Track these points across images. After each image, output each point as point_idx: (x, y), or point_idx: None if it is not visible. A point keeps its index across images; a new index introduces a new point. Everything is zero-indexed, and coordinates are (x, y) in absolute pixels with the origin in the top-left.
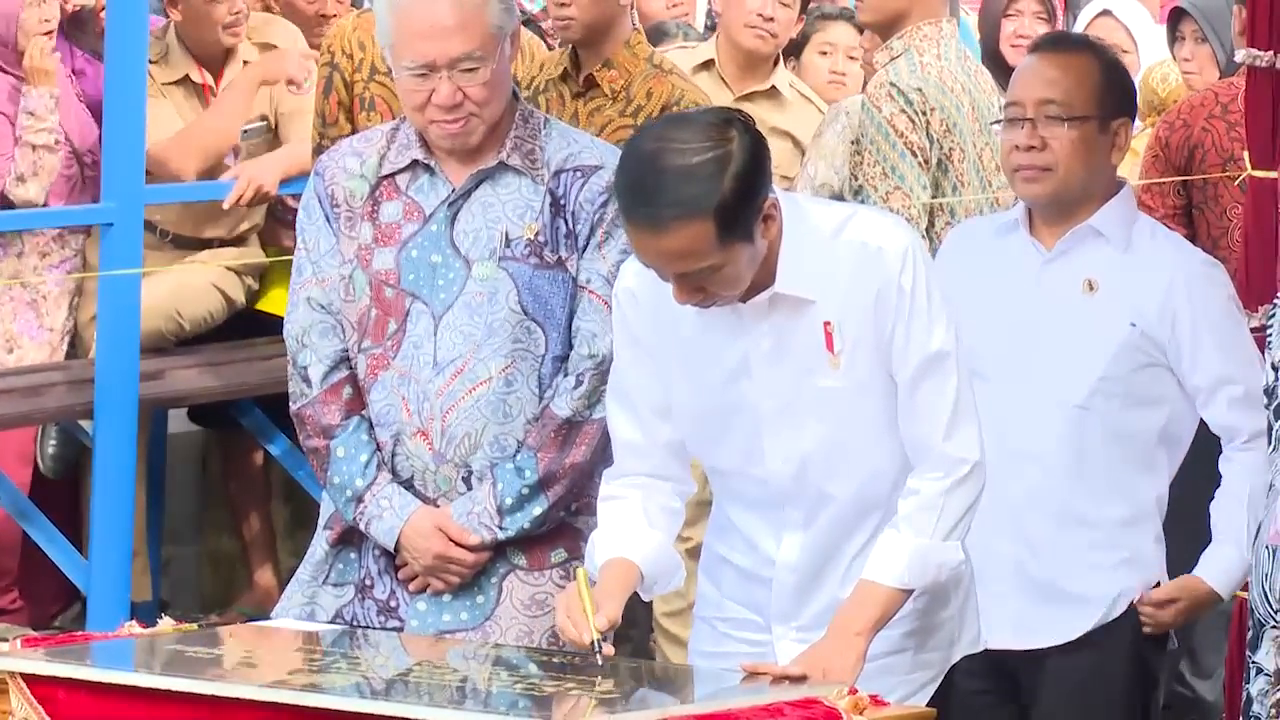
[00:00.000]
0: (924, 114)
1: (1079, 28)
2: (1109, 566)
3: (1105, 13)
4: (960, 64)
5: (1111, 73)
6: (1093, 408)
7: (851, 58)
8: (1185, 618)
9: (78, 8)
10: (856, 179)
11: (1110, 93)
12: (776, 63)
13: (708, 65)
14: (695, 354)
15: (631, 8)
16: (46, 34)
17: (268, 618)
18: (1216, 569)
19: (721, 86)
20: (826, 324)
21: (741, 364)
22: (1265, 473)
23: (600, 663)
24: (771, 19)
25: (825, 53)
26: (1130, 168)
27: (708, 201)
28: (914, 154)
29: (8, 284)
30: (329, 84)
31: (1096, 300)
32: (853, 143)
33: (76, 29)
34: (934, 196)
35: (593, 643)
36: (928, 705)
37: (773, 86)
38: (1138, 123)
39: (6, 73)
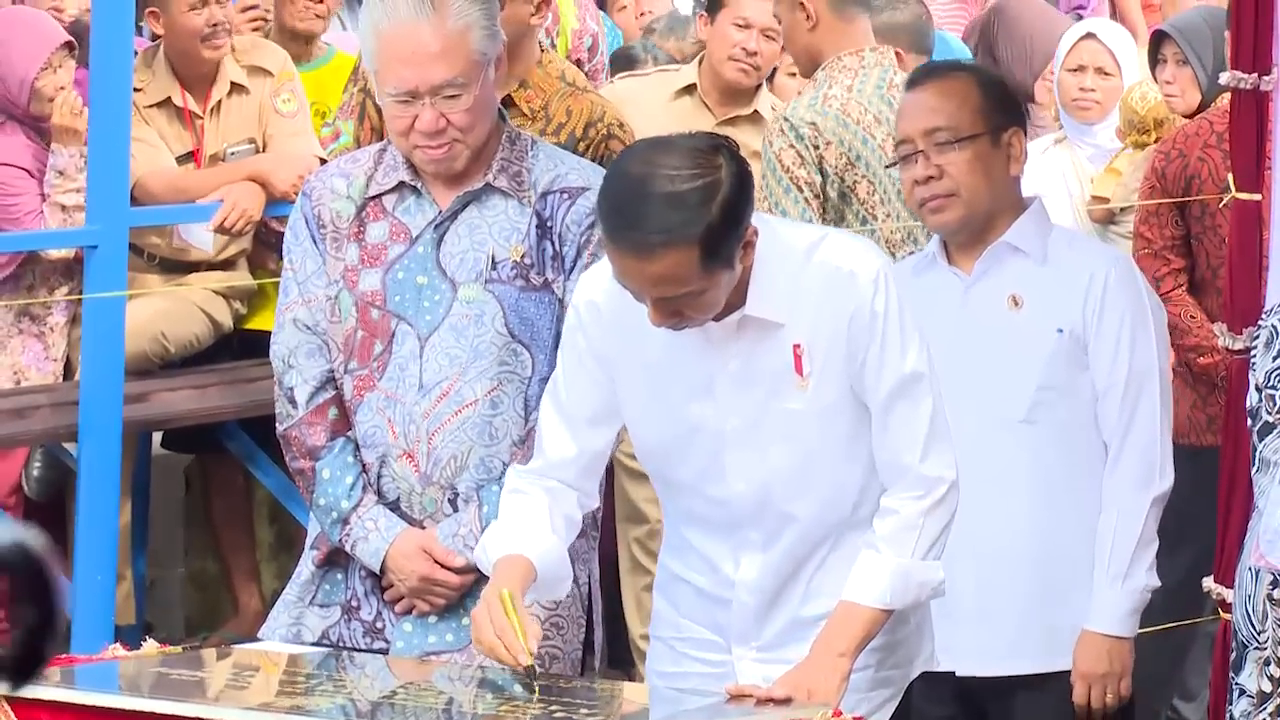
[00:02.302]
0: (816, 148)
1: (1061, 53)
2: (1075, 592)
3: (1089, 35)
4: (879, 94)
5: (989, 87)
6: (1038, 421)
7: None
8: (1119, 679)
9: (72, 19)
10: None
11: (993, 106)
12: (759, 87)
13: (689, 90)
14: (659, 371)
15: (544, 27)
16: (62, 88)
17: (253, 641)
18: (1110, 617)
19: (704, 111)
20: (796, 347)
21: (707, 384)
22: (1141, 494)
23: (535, 686)
24: (755, 53)
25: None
26: (1113, 187)
27: (695, 229)
28: (800, 189)
29: (16, 318)
30: (362, 110)
31: (1022, 315)
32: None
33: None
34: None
35: (529, 667)
36: None
37: (755, 111)
38: (1118, 142)
39: (21, 121)
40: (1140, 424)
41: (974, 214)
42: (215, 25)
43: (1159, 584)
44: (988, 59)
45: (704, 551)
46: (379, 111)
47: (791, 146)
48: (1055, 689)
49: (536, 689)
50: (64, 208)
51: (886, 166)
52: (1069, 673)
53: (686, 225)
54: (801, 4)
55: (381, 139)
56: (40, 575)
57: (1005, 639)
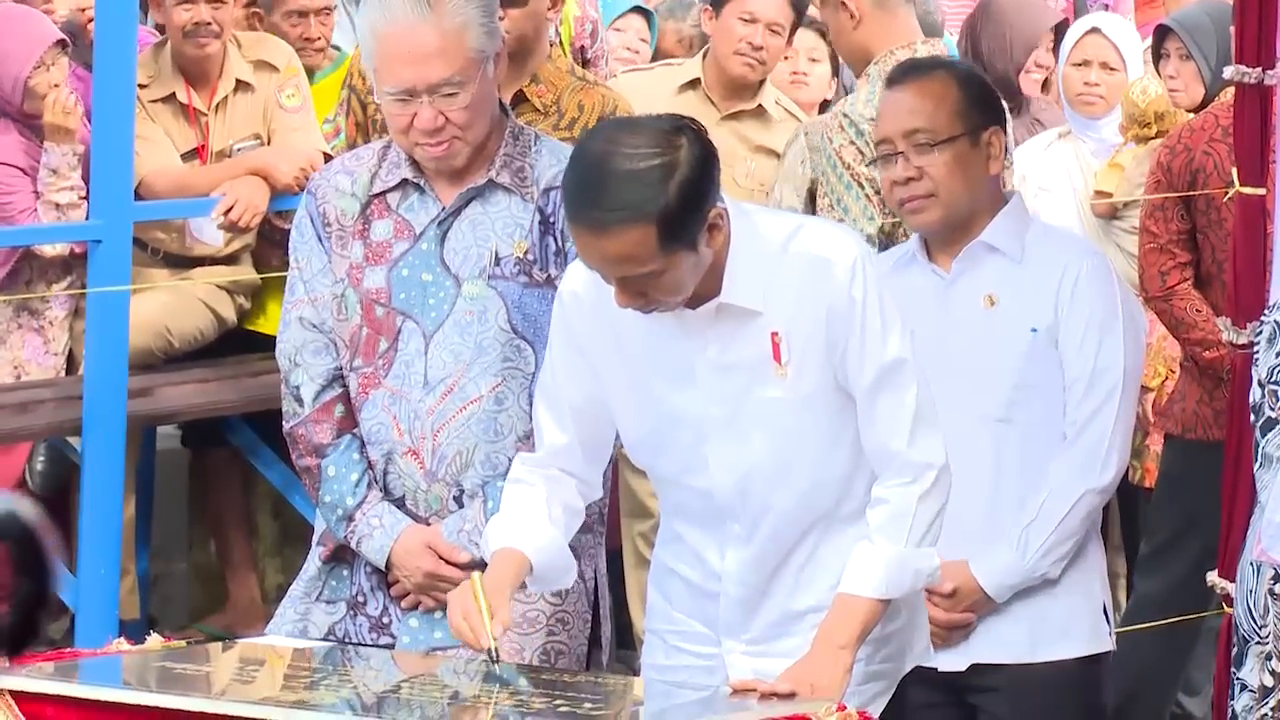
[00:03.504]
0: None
1: (1066, 47)
2: (1054, 584)
3: (1094, 30)
4: None
5: (969, 86)
6: (1015, 419)
7: (813, 59)
8: (963, 630)
9: (64, 19)
10: (816, 212)
11: (972, 106)
12: (763, 82)
13: (694, 84)
14: (640, 361)
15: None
16: (55, 86)
17: (243, 635)
18: (996, 579)
19: (708, 106)
20: (774, 335)
21: (687, 373)
22: (1076, 481)
23: (497, 670)
24: (761, 47)
25: (787, 57)
26: (1116, 182)
27: (651, 207)
28: (860, 185)
29: (15, 312)
30: (348, 106)
31: (998, 314)
32: (814, 178)
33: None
34: (897, 223)
35: (490, 650)
36: (880, 716)
37: (759, 106)
38: (1119, 136)
39: (14, 120)
40: (1095, 418)
41: (953, 214)
42: (199, 24)
43: (1054, 577)
44: (974, 54)
45: (692, 544)
46: (363, 107)
47: (852, 143)
48: (1042, 675)
49: (498, 670)
50: (58, 206)
51: (867, 164)
52: (1056, 662)
53: (643, 203)
54: (844, 3)
55: (366, 135)
56: (34, 545)
57: (990, 634)
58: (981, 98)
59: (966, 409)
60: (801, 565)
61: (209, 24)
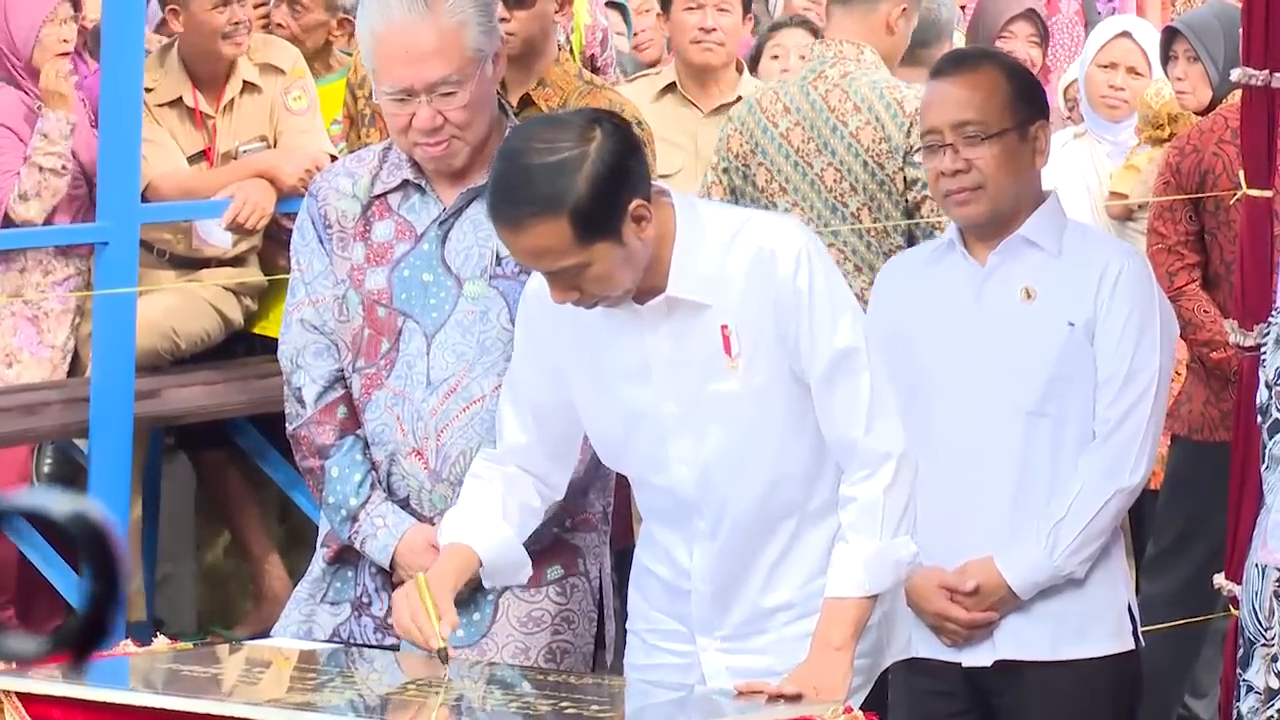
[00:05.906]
0: (726, 134)
1: (1094, 48)
2: (1079, 583)
3: (1124, 34)
4: (801, 84)
5: (1018, 79)
6: (1048, 413)
7: (802, 57)
8: (985, 627)
9: (95, 23)
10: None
11: (1022, 99)
12: (741, 71)
13: (671, 88)
14: (599, 360)
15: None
16: (64, 54)
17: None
18: (1024, 576)
19: (689, 107)
20: (724, 327)
21: (643, 368)
22: (1107, 481)
23: (446, 669)
24: (713, 29)
25: (776, 56)
26: (1132, 184)
27: (562, 200)
28: (712, 170)
29: (8, 300)
30: (345, 101)
31: (1035, 307)
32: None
33: (94, 44)
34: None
35: (440, 650)
36: (861, 709)
37: (739, 97)
38: (1134, 138)
39: (21, 88)
40: (1128, 418)
41: (1000, 208)
42: (237, 23)
43: (1079, 578)
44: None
45: (663, 542)
46: (355, 99)
47: (721, 130)
48: (1066, 675)
49: (447, 666)
50: (41, 169)
51: (914, 150)
52: (1080, 661)
53: (552, 197)
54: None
55: (356, 126)
56: (102, 544)
57: (1012, 629)
58: (1028, 90)
59: (999, 400)
60: (775, 562)
61: (244, 22)
